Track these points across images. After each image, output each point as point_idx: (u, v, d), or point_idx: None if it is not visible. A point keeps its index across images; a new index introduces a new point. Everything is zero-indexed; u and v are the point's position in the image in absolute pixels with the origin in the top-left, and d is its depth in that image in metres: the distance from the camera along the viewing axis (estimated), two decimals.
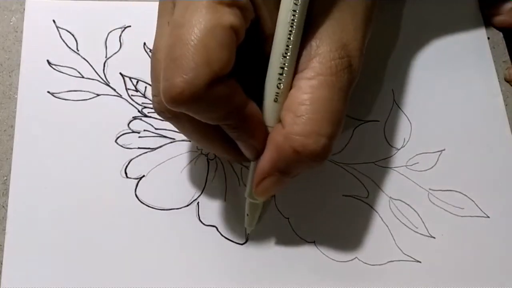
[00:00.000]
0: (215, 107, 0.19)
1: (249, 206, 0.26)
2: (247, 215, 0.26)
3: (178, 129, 0.23)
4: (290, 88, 0.21)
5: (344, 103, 0.21)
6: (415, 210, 0.28)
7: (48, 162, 0.28)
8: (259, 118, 0.21)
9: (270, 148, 0.21)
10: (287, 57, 0.20)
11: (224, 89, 0.19)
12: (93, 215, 0.27)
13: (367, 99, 0.31)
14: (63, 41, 0.31)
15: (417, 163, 0.30)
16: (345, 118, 0.22)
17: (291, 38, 0.20)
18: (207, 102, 0.19)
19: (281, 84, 0.21)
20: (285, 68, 0.20)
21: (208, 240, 0.27)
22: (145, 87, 0.30)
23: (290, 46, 0.20)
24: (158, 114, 0.22)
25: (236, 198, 0.28)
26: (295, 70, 0.21)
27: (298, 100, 0.20)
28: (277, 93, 0.21)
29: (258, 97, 0.22)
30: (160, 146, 0.29)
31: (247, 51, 0.20)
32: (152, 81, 0.22)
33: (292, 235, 0.27)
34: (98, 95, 0.30)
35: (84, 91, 0.30)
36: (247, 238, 0.27)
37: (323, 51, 0.20)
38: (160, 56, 0.20)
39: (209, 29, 0.18)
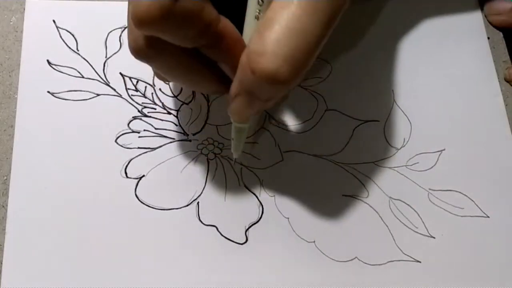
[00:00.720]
0: (186, 23, 0.19)
1: (234, 130, 0.25)
2: (232, 139, 0.26)
3: (159, 69, 0.22)
4: None
5: (321, 26, 0.19)
6: (415, 210, 0.28)
7: (48, 162, 0.28)
8: (236, 35, 0.20)
9: (238, 68, 0.20)
10: None
11: (191, 2, 0.18)
12: (93, 215, 0.27)
13: (367, 99, 0.31)
14: (63, 41, 0.31)
15: (417, 163, 0.30)
16: (320, 45, 0.19)
17: None
18: (176, 18, 0.18)
19: (262, 0, 0.20)
20: None
21: (208, 240, 0.27)
22: (145, 87, 0.30)
23: None
24: (136, 55, 0.21)
25: (236, 198, 0.28)
26: None
27: (266, 20, 0.19)
28: (259, 10, 0.20)
29: (239, 22, 0.21)
30: (160, 146, 0.29)
31: None
32: (128, 24, 0.22)
33: (292, 235, 0.27)
34: (98, 95, 0.30)
35: (84, 91, 0.30)
36: (247, 238, 0.27)
37: None
38: None
39: None
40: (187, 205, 0.28)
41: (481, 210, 0.29)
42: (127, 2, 0.29)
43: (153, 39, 0.20)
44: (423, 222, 0.28)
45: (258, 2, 0.20)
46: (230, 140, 0.26)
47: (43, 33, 0.31)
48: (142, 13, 0.18)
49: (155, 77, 0.29)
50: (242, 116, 0.23)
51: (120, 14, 0.32)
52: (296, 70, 0.19)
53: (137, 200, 0.28)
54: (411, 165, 0.30)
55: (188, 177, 0.28)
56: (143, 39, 0.20)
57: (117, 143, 0.29)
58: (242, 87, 0.20)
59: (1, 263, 0.26)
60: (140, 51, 0.21)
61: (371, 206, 0.28)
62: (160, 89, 0.30)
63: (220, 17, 0.20)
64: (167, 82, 0.31)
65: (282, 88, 0.20)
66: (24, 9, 0.31)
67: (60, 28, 0.31)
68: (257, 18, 0.20)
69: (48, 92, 0.29)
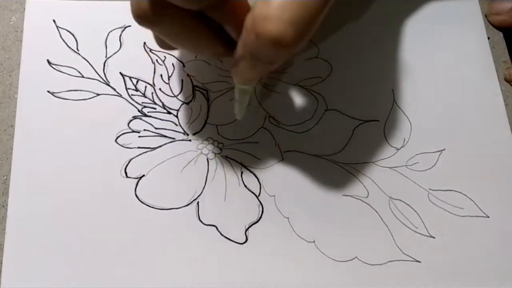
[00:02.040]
0: None
1: (237, 92, 0.26)
2: (236, 101, 0.26)
3: (163, 34, 0.22)
4: None
5: None
6: (415, 210, 0.28)
7: (48, 162, 0.28)
8: None
9: (243, 31, 0.21)
10: None
11: None
12: (93, 215, 0.27)
13: (367, 99, 0.31)
14: (63, 40, 0.31)
15: (417, 163, 0.30)
16: (323, 10, 0.20)
17: None
18: None
19: None
20: None
21: (208, 240, 0.27)
22: (145, 86, 0.30)
23: None
24: (140, 20, 0.21)
25: (236, 198, 0.28)
26: None
27: None
28: None
29: None
30: (160, 146, 0.29)
31: None
32: None
33: (292, 234, 0.27)
34: (98, 94, 0.30)
35: (84, 90, 0.30)
36: (247, 238, 0.27)
37: None
38: None
39: None
40: (187, 205, 0.28)
41: (481, 210, 0.29)
42: (127, 2, 0.29)
43: (157, 3, 0.20)
44: (423, 222, 0.28)
45: None
46: (234, 103, 0.27)
47: (43, 33, 0.31)
48: None
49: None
50: (246, 78, 0.23)
51: (120, 14, 0.32)
52: (299, 34, 0.19)
53: (137, 200, 0.28)
54: (411, 165, 0.30)
55: (188, 177, 0.28)
56: (147, 4, 0.20)
57: (117, 142, 0.29)
58: (246, 50, 0.21)
59: (1, 263, 0.26)
60: (144, 16, 0.21)
61: (371, 206, 0.28)
62: (160, 89, 0.30)
63: None
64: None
65: (286, 52, 0.20)
66: (24, 9, 0.31)
67: (60, 27, 0.31)
68: None
69: (48, 92, 0.29)
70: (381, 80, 0.32)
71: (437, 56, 0.32)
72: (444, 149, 0.30)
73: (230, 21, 0.21)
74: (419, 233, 0.28)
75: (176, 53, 0.31)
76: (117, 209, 0.27)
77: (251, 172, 0.29)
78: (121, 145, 0.29)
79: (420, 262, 0.27)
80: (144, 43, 0.31)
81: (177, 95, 0.30)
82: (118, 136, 0.29)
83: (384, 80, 0.32)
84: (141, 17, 0.21)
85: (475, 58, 0.32)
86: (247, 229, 0.27)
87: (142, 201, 0.28)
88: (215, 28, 0.22)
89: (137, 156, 0.29)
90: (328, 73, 0.31)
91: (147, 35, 0.31)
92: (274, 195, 0.28)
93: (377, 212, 0.28)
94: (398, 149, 0.30)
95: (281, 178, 0.29)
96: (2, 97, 0.29)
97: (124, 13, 0.32)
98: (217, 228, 0.27)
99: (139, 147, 0.29)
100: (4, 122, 0.29)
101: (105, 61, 0.31)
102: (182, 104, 0.30)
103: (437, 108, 0.31)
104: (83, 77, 0.30)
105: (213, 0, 0.20)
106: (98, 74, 0.30)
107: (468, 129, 0.31)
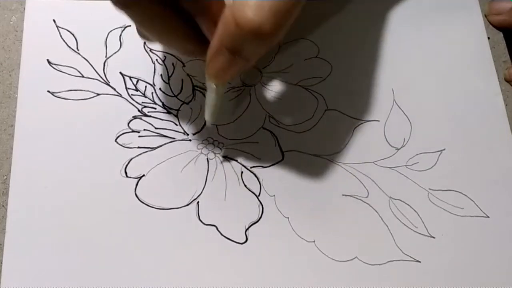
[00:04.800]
0: None
1: (210, 92, 0.24)
2: (207, 104, 0.25)
3: (136, 19, 0.23)
4: None
5: None
6: (415, 210, 0.28)
7: (48, 161, 0.28)
8: None
9: (220, 23, 0.21)
10: None
11: None
12: (93, 215, 0.27)
13: (367, 99, 0.31)
14: (63, 40, 0.31)
15: (417, 163, 0.30)
16: (300, 1, 0.20)
17: None
18: None
19: None
20: None
21: (208, 240, 0.27)
22: (145, 86, 0.30)
23: None
24: (115, 3, 0.22)
25: (236, 198, 0.28)
26: None
27: None
28: None
29: None
30: (160, 146, 0.29)
31: None
32: None
33: (292, 234, 0.27)
34: (98, 94, 0.30)
35: (84, 90, 0.30)
36: (247, 237, 0.27)
37: None
38: None
39: None
40: (187, 205, 0.28)
41: (481, 210, 0.29)
42: None
43: None
44: (423, 222, 0.28)
45: None
46: (205, 105, 0.26)
47: (43, 32, 0.31)
48: None
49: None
50: (222, 76, 0.23)
51: (120, 14, 0.32)
52: (279, 23, 0.19)
53: (137, 199, 0.28)
54: (411, 165, 0.30)
55: (188, 177, 0.28)
56: None
57: (117, 142, 0.29)
58: (224, 43, 0.21)
59: (1, 263, 0.26)
60: (119, 1, 0.21)
61: (371, 206, 0.28)
62: (160, 89, 0.30)
63: None
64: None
65: (265, 42, 0.20)
66: (24, 9, 0.31)
67: (60, 27, 0.31)
68: None
69: (48, 91, 0.29)
70: (381, 80, 0.32)
71: (437, 56, 0.33)
72: (444, 149, 0.30)
73: (205, 14, 0.21)
74: (419, 233, 0.28)
75: (176, 53, 0.31)
76: (117, 209, 0.27)
77: (251, 172, 0.29)
78: (121, 145, 0.29)
79: (420, 262, 0.27)
80: (144, 43, 0.31)
81: (177, 95, 0.30)
82: (118, 136, 0.29)
83: (384, 80, 0.32)
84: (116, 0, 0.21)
85: (475, 58, 0.32)
86: (247, 229, 0.27)
87: (142, 201, 0.28)
88: (189, 25, 0.22)
89: (137, 156, 0.29)
90: (328, 73, 0.31)
91: None
92: (274, 195, 0.28)
93: (377, 212, 0.28)
94: (398, 149, 0.30)
95: (281, 178, 0.29)
96: (2, 97, 0.29)
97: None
98: (217, 228, 0.27)
99: (139, 147, 0.29)
100: (4, 122, 0.29)
101: (105, 61, 0.31)
102: (182, 104, 0.30)
103: (437, 108, 0.31)
104: (83, 77, 0.30)
105: None
106: (98, 74, 0.30)
107: (468, 129, 0.31)
